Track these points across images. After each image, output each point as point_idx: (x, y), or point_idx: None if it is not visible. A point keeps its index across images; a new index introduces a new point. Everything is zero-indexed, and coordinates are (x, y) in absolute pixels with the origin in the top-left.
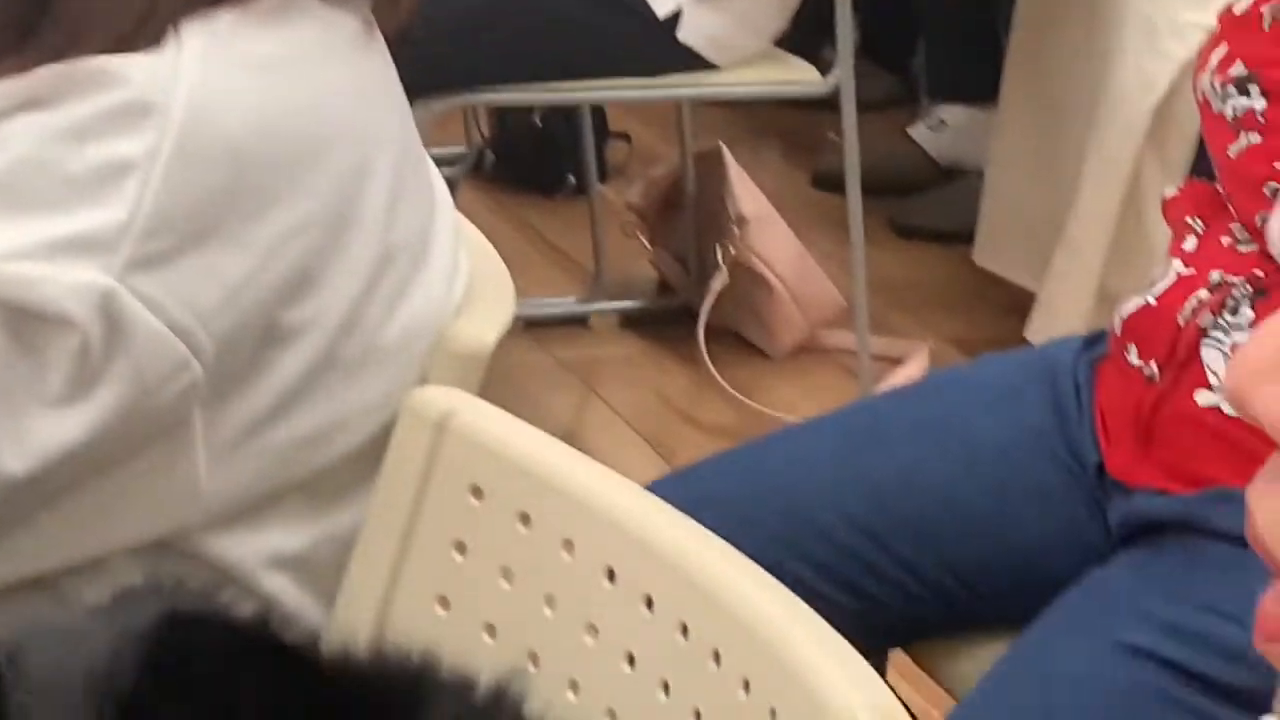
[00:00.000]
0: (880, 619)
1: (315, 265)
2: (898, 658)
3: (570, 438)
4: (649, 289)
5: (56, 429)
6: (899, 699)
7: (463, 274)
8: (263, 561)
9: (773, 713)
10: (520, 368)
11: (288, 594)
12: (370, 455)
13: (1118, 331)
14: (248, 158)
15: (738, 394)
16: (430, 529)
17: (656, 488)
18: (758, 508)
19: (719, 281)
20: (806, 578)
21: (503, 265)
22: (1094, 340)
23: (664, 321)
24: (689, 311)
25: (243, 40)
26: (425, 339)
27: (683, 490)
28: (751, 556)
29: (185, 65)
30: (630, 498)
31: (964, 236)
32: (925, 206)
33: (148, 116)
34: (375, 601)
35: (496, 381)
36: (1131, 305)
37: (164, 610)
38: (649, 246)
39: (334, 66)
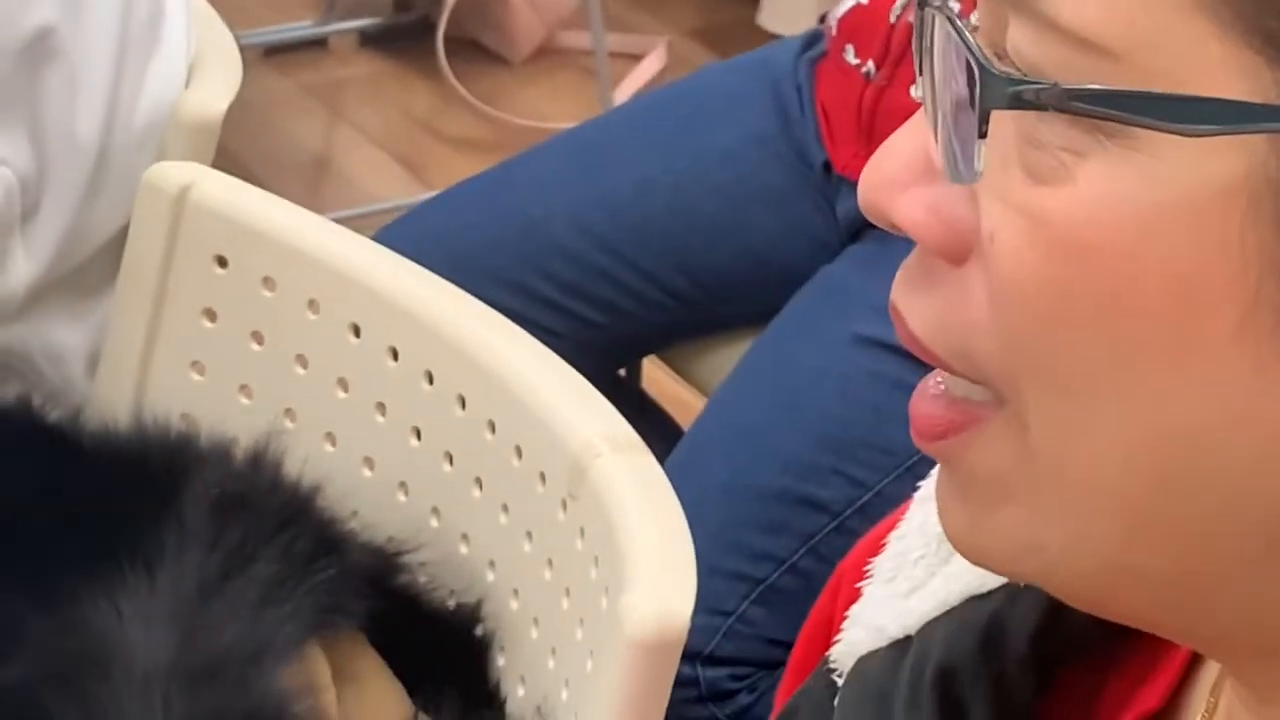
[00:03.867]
0: (628, 329)
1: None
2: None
3: (320, 163)
4: (385, 5)
5: None
6: (653, 402)
7: (192, 44)
8: (41, 352)
9: (518, 450)
10: (263, 97)
11: (76, 385)
12: (124, 241)
13: (834, 31)
14: None
15: (482, 104)
16: (179, 299)
17: (412, 218)
18: (503, 230)
19: None
20: (554, 297)
21: (228, 31)
22: (811, 41)
23: (403, 37)
24: (428, 25)
25: None
26: (166, 117)
27: (433, 218)
28: (501, 278)
29: None
30: (369, 254)
31: None
32: None
33: None
34: (133, 373)
35: (242, 114)
36: (845, 5)
37: None
38: None
39: None
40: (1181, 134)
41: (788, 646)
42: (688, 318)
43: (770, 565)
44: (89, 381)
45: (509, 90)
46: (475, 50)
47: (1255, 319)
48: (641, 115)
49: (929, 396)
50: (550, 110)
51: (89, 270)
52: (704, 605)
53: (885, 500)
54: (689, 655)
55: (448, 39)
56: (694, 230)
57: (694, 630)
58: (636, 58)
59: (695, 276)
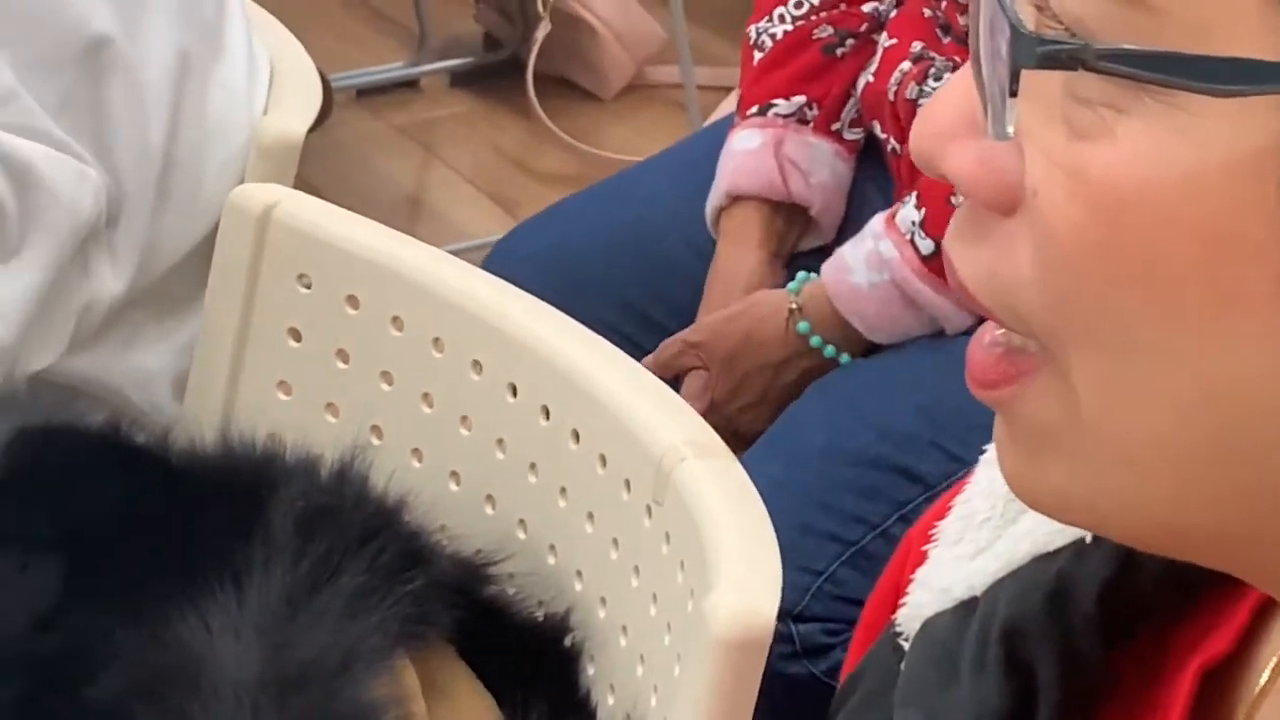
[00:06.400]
0: None
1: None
2: None
3: (414, 202)
4: (476, 45)
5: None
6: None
7: (263, 68)
8: (127, 377)
9: (602, 458)
10: (357, 138)
11: (164, 408)
12: (205, 261)
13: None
14: None
15: (573, 140)
16: (264, 320)
17: (515, 236)
18: (618, 247)
19: (542, 30)
20: (665, 323)
21: (307, 57)
22: None
23: (494, 76)
24: (517, 64)
25: None
26: (237, 135)
27: (541, 237)
28: (614, 298)
29: None
30: (450, 270)
31: None
32: None
33: None
34: (220, 395)
35: (335, 154)
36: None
37: (15, 425)
38: (473, 2)
39: None
40: (1210, 94)
41: None
42: None
43: (862, 529)
44: (176, 404)
45: (600, 126)
46: (565, 87)
47: None
48: None
49: (984, 345)
50: (641, 145)
51: (169, 289)
52: (794, 563)
53: None
54: (780, 613)
55: (537, 76)
56: None
57: (784, 587)
58: (726, 89)
59: None
